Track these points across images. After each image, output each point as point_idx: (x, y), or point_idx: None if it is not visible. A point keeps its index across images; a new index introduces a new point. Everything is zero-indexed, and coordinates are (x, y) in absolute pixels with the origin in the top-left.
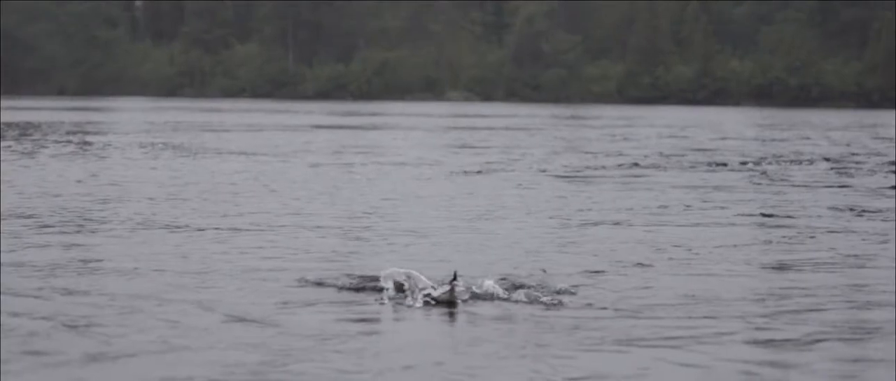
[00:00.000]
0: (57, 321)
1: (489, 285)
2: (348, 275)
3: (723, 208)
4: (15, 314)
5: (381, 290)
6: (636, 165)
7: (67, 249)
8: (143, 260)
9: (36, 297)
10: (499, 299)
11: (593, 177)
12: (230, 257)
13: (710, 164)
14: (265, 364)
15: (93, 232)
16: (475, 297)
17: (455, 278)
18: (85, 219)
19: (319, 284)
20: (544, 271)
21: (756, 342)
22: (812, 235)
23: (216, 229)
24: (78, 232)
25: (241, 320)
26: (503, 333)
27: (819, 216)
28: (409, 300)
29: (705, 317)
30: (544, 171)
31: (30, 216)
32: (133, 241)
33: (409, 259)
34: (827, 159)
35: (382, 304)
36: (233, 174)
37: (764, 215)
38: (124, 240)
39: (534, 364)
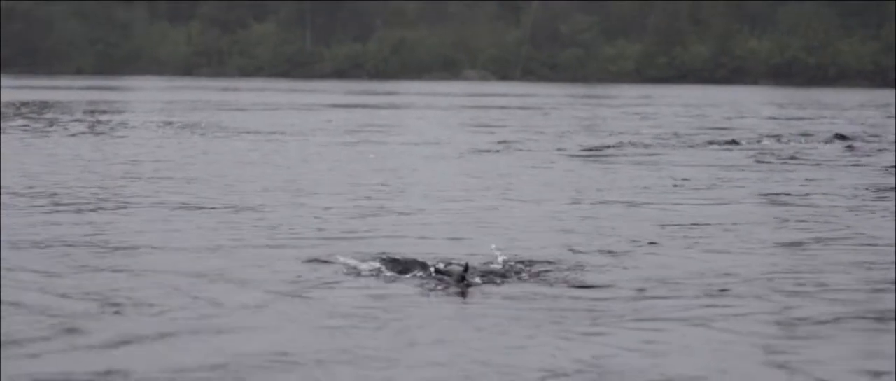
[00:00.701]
0: (82, 299)
1: (502, 263)
2: (363, 253)
3: (739, 186)
4: (39, 292)
5: (395, 268)
6: (652, 144)
7: (86, 227)
8: (166, 238)
9: (58, 275)
10: (512, 278)
11: (609, 156)
12: (247, 234)
13: (726, 143)
14: (293, 343)
15: (112, 210)
16: (489, 275)
17: (466, 270)
18: (104, 198)
19: (334, 262)
20: (568, 249)
21: (772, 321)
22: (828, 213)
23: (233, 207)
24: (96, 210)
25: (261, 298)
26: (517, 312)
27: (835, 195)
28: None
29: (721, 296)
30: (560, 150)
31: (48, 195)
32: (153, 219)
33: (423, 237)
34: (843, 138)
35: (396, 282)
36: (249, 153)
37: (779, 194)
38: (144, 218)
39: (549, 343)
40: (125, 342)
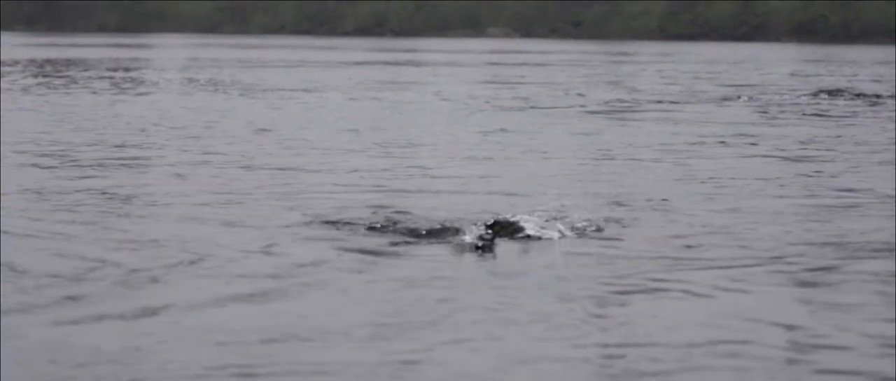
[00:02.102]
0: (100, 261)
1: (525, 221)
2: (380, 212)
3: (756, 143)
4: (54, 255)
5: (412, 227)
6: (673, 101)
7: (104, 184)
8: (180, 195)
9: (75, 236)
10: (535, 236)
11: (630, 112)
12: (263, 193)
13: (746, 99)
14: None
15: (132, 168)
16: (511, 233)
17: (488, 228)
18: (124, 155)
19: (350, 221)
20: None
21: (791, 281)
22: (849, 170)
23: (249, 166)
24: (117, 168)
25: (280, 258)
26: (539, 271)
27: (854, 152)
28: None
29: (740, 256)
30: (581, 106)
31: (65, 151)
32: (170, 175)
33: (444, 194)
34: (864, 95)
35: (413, 241)
36: (270, 110)
37: (799, 150)
38: (161, 175)
39: (570, 305)
40: (136, 309)
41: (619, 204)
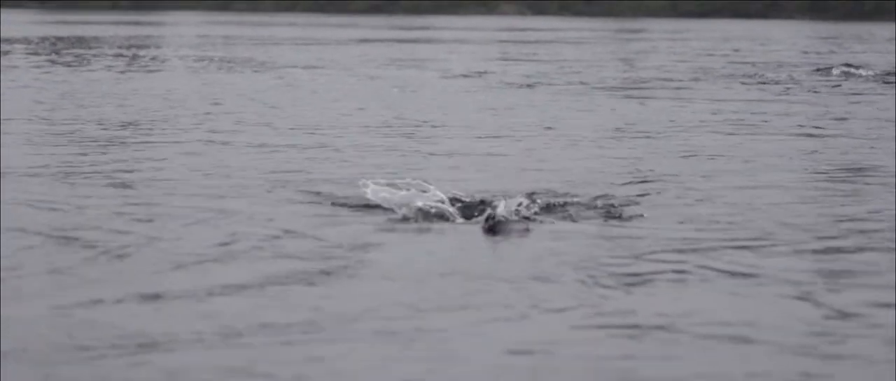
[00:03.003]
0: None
1: (529, 198)
2: (389, 190)
3: (766, 120)
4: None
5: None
6: (683, 78)
7: (111, 160)
8: (191, 171)
9: (81, 208)
10: (540, 214)
11: (641, 89)
12: (273, 170)
13: (758, 76)
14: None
15: (141, 143)
16: (517, 211)
17: (494, 207)
18: (133, 130)
19: (360, 200)
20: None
21: (809, 254)
22: (860, 146)
23: (261, 144)
24: (123, 143)
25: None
26: (545, 250)
27: (865, 129)
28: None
29: (755, 236)
30: (590, 84)
31: (74, 127)
32: (179, 153)
33: (450, 172)
34: (877, 72)
35: (426, 221)
36: (280, 88)
37: (810, 127)
38: (170, 151)
39: (582, 287)
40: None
41: (627, 182)
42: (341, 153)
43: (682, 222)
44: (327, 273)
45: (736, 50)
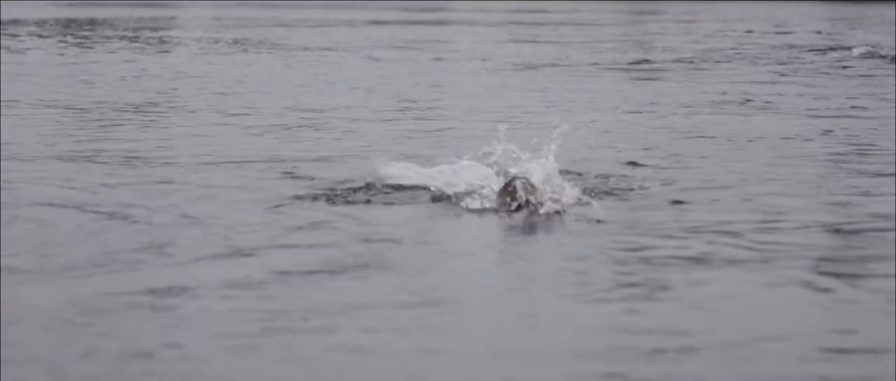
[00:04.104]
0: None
1: (544, 179)
2: (403, 170)
3: (779, 102)
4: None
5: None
6: (696, 59)
7: (119, 141)
8: (203, 151)
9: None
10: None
11: (655, 71)
12: (284, 153)
13: (771, 58)
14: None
15: (152, 124)
16: (529, 193)
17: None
18: (145, 111)
19: (374, 181)
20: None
21: (824, 231)
22: (873, 128)
23: (271, 125)
24: (130, 123)
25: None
26: (562, 233)
27: (880, 108)
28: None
29: (769, 219)
30: (603, 65)
31: (85, 108)
32: (190, 134)
33: (462, 151)
34: (892, 54)
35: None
36: (292, 70)
37: (827, 107)
38: (181, 132)
39: (595, 269)
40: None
41: (638, 164)
42: (357, 133)
43: (680, 200)
44: (367, 265)
45: (750, 32)
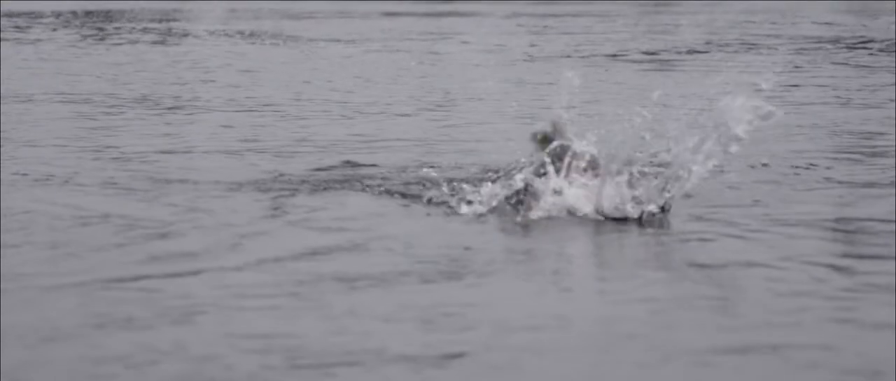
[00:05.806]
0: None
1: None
2: (411, 168)
3: (790, 92)
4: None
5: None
6: (710, 50)
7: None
8: (212, 142)
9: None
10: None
11: (667, 61)
12: (290, 144)
13: (785, 48)
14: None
15: (167, 113)
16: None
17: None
18: (161, 101)
19: (377, 176)
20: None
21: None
22: (883, 118)
23: (280, 113)
24: (134, 110)
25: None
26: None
27: (887, 102)
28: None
29: (781, 209)
30: (616, 56)
31: (97, 101)
32: (203, 123)
33: (472, 147)
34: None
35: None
36: (305, 61)
37: (832, 99)
38: (194, 122)
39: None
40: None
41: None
42: (374, 124)
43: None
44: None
45: (762, 23)
